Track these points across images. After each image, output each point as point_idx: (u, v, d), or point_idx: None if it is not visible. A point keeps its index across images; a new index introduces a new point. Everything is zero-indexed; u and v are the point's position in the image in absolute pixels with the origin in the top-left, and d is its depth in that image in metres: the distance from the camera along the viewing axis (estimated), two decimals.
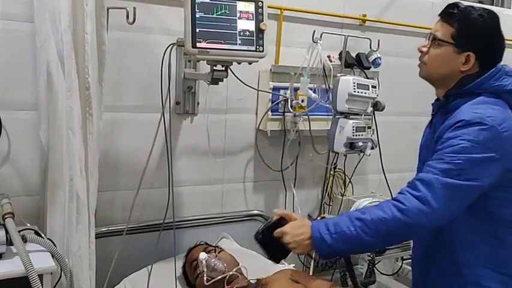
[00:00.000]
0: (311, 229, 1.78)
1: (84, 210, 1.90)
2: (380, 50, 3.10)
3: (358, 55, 3.10)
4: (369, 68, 3.11)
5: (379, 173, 3.33)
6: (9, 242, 1.91)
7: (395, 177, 3.37)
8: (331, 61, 2.97)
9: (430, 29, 3.41)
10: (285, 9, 2.86)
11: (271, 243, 1.85)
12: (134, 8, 2.16)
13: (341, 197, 3.04)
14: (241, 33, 2.26)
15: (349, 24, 3.16)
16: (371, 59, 3.09)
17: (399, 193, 1.79)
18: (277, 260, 1.94)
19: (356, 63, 3.08)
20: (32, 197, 2.38)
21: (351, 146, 2.61)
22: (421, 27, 3.43)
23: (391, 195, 3.26)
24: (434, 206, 1.68)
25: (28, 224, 2.14)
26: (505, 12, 4.02)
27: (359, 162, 3.21)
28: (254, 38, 2.29)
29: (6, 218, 1.99)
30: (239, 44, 2.26)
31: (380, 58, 3.09)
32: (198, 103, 2.73)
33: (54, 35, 1.91)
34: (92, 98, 1.89)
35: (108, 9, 2.05)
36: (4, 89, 2.26)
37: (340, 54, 3.06)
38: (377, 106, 2.68)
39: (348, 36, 2.96)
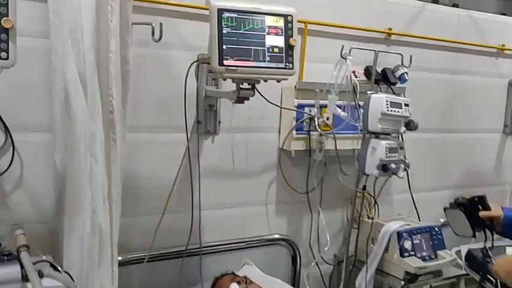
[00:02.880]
0: None
1: (107, 245, 1.76)
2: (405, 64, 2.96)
3: (384, 70, 2.95)
4: (395, 84, 2.97)
5: (404, 192, 3.19)
6: (24, 278, 1.75)
7: (421, 197, 3.24)
8: (356, 76, 2.82)
9: (457, 42, 3.34)
10: (309, 23, 2.72)
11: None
12: (161, 24, 2.02)
13: (369, 220, 2.88)
14: (270, 49, 2.13)
15: (374, 38, 3.03)
16: (397, 74, 2.94)
17: None
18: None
19: (382, 78, 2.94)
20: (45, 224, 2.23)
21: (384, 168, 2.45)
22: (447, 41, 3.31)
23: (418, 217, 3.14)
24: None
25: (43, 256, 1.98)
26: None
27: (385, 182, 3.06)
28: (283, 54, 2.15)
29: (21, 251, 1.83)
30: (268, 61, 2.13)
31: (407, 73, 2.94)
32: (219, 122, 2.58)
33: (76, 54, 1.76)
34: (116, 123, 1.74)
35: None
36: (17, 109, 2.11)
37: (366, 69, 2.91)
38: (410, 125, 2.53)
39: (379, 51, 2.81)
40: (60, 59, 1.97)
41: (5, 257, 1.83)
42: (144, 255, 2.31)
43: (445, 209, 2.32)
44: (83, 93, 1.76)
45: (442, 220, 3.42)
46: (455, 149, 3.56)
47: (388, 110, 2.41)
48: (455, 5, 3.48)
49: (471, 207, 2.19)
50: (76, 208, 1.93)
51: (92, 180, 1.72)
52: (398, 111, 2.45)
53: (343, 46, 2.58)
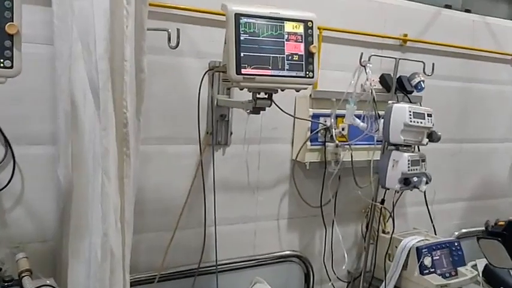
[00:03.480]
0: None
1: (119, 269, 1.61)
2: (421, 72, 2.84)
3: (399, 78, 2.82)
4: (411, 92, 2.84)
5: (418, 205, 3.07)
6: None
7: (435, 209, 3.12)
8: (371, 85, 2.70)
9: (471, 49, 3.22)
10: (324, 29, 2.59)
11: None
12: (178, 30, 1.87)
13: (386, 235, 2.74)
14: (290, 57, 2.00)
15: (389, 44, 2.90)
16: (414, 82, 2.83)
17: None
18: None
19: (398, 87, 2.81)
20: (46, 243, 2.10)
21: (406, 182, 2.32)
22: (462, 47, 3.20)
23: (434, 231, 3.02)
24: None
25: (46, 280, 1.83)
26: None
27: (400, 195, 2.92)
28: (303, 62, 2.03)
29: (23, 276, 1.69)
30: (287, 70, 2.00)
31: (423, 81, 2.82)
32: (231, 133, 2.44)
33: (86, 61, 1.60)
34: (130, 136, 1.59)
35: None
36: (17, 120, 1.98)
37: (381, 77, 2.79)
38: (432, 137, 2.40)
39: (399, 59, 2.68)
40: (65, 65, 1.83)
41: (6, 284, 1.70)
42: (154, 275, 2.17)
43: (478, 239, 2.17)
44: (93, 102, 1.61)
45: (456, 233, 3.33)
46: (470, 159, 3.44)
47: (411, 121, 2.29)
48: (467, 10, 3.38)
49: (508, 236, 2.05)
50: (83, 227, 1.79)
51: (104, 199, 1.58)
52: (421, 122, 2.33)
53: (362, 53, 2.45)
